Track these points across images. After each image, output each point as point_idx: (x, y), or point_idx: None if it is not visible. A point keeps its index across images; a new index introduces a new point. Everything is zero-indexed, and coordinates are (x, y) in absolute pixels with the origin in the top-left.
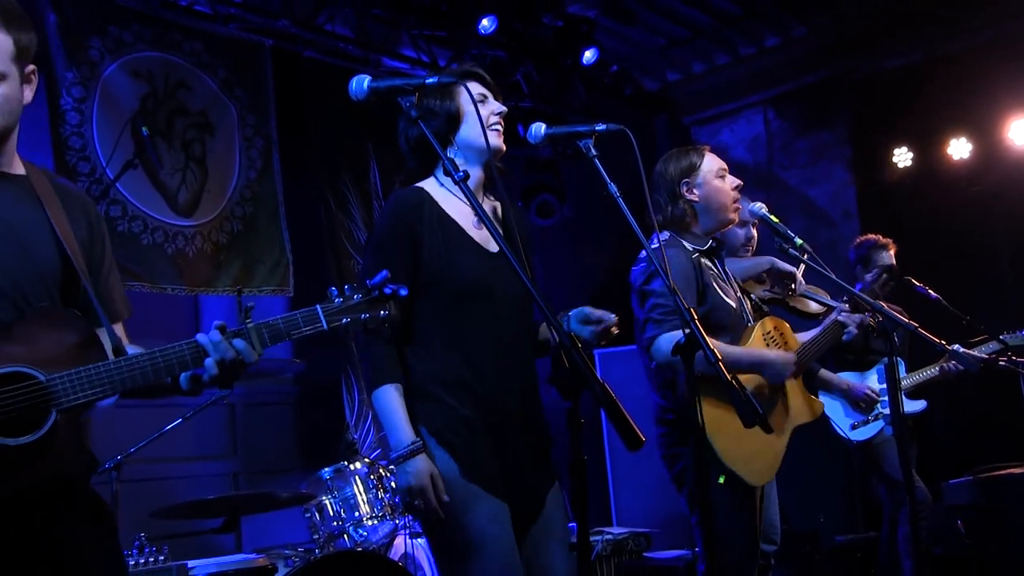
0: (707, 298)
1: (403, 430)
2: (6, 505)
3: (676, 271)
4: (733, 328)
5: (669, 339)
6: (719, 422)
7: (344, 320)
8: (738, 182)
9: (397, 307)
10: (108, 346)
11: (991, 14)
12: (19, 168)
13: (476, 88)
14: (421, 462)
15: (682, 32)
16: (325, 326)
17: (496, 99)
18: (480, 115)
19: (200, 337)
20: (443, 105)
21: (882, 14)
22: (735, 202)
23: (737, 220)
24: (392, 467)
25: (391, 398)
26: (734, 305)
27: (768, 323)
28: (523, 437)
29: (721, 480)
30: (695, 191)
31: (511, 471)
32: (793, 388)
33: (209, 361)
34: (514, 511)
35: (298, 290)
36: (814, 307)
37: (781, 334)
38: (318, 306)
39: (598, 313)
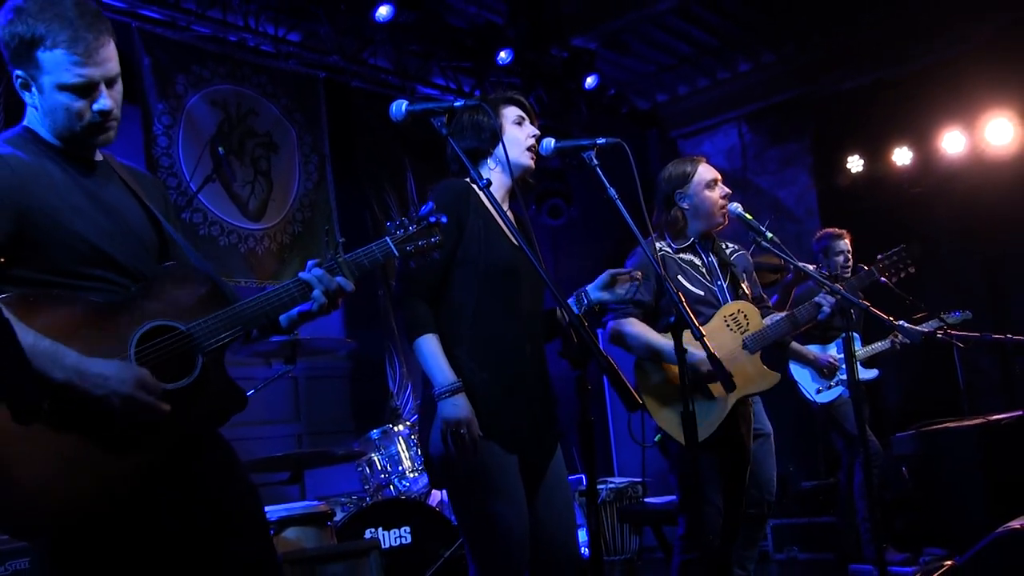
0: (665, 289)
1: (445, 371)
2: (176, 445)
3: (636, 265)
4: (698, 313)
5: (614, 324)
6: (656, 391)
7: (408, 247)
8: (727, 191)
9: (442, 232)
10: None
11: (930, 46)
12: (99, 156)
13: (515, 111)
14: (463, 398)
15: (669, 60)
16: (396, 253)
17: (532, 123)
18: (517, 137)
19: (303, 275)
20: (490, 122)
21: (838, 45)
22: (722, 209)
23: (726, 223)
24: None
25: (432, 344)
26: (702, 293)
27: (731, 308)
28: (535, 400)
29: (657, 439)
30: (685, 201)
31: (524, 430)
32: (748, 361)
33: (317, 292)
34: (526, 466)
35: None
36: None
37: (745, 316)
38: (387, 238)
39: (614, 272)
